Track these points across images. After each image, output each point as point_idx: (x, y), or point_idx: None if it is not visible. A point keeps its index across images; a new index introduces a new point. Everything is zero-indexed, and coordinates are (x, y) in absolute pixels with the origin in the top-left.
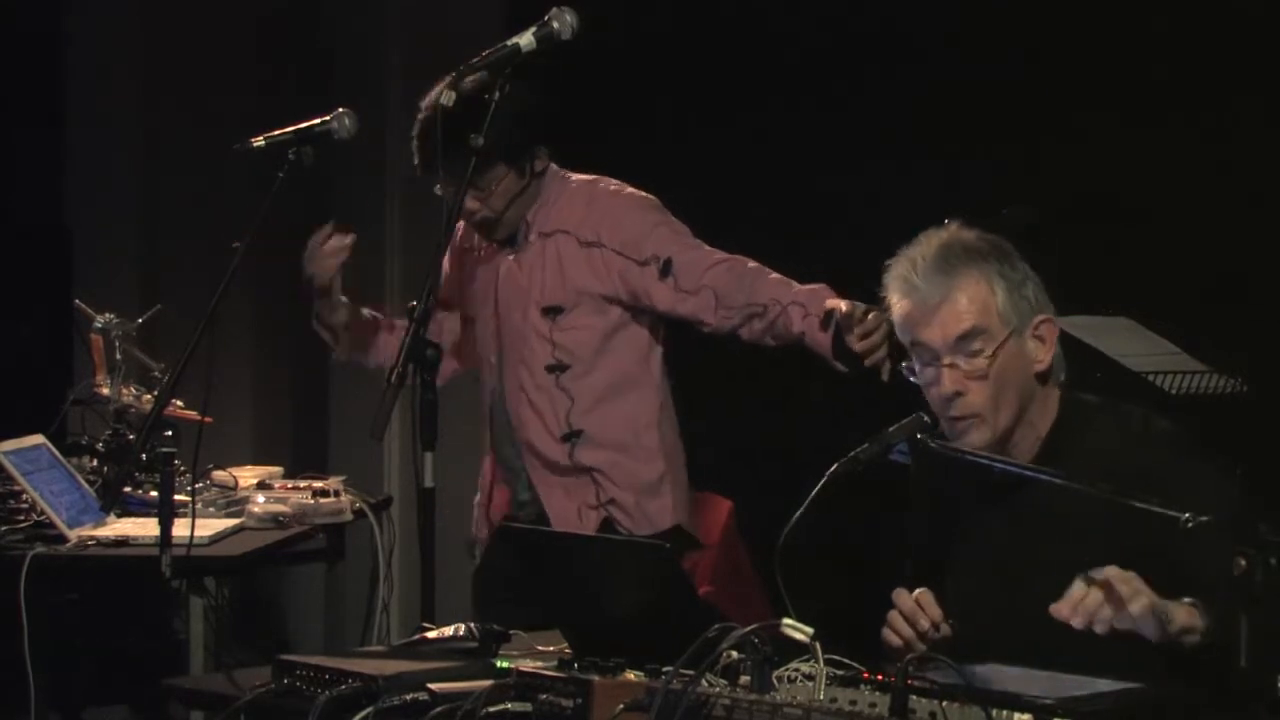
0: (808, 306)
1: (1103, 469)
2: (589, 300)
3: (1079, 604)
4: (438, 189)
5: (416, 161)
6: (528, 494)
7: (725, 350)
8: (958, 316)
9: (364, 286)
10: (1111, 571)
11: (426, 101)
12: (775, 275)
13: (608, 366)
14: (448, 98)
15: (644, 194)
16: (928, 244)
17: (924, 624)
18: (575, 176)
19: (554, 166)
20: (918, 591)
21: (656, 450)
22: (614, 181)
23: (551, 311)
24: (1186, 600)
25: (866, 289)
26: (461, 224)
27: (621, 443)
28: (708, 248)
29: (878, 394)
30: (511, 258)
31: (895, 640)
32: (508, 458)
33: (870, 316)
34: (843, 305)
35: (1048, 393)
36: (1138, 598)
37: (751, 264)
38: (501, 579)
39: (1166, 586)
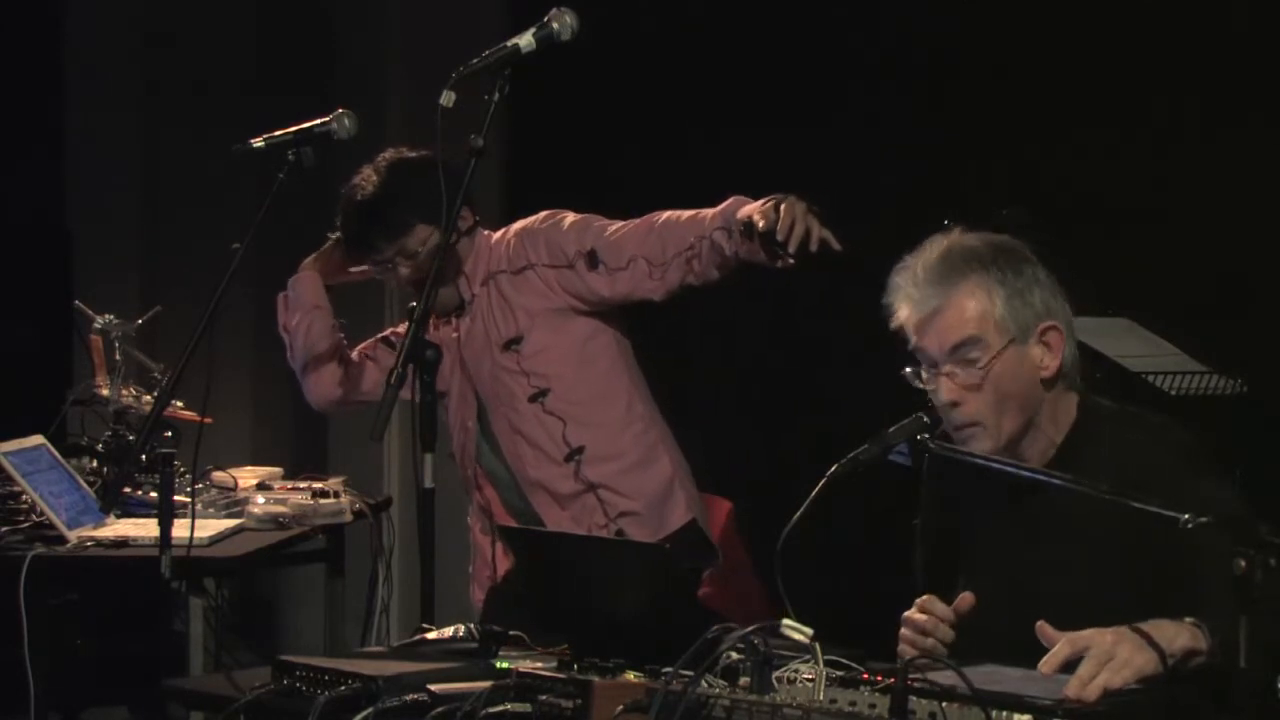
0: (728, 225)
1: (1115, 476)
2: (542, 319)
3: (1087, 685)
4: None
5: (345, 244)
6: None
7: (724, 350)
8: (953, 326)
9: (364, 287)
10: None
11: (352, 188)
12: (685, 214)
13: (587, 380)
14: (448, 99)
15: (544, 212)
16: (930, 251)
17: (944, 633)
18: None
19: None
20: (922, 601)
21: (660, 451)
22: (521, 220)
23: (512, 344)
24: (1189, 620)
25: (865, 292)
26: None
27: (623, 450)
28: (618, 223)
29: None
30: (466, 319)
31: (912, 652)
32: (517, 508)
33: (782, 210)
34: (756, 216)
35: (1060, 398)
36: (1120, 673)
37: (661, 216)
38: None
39: (1170, 588)
